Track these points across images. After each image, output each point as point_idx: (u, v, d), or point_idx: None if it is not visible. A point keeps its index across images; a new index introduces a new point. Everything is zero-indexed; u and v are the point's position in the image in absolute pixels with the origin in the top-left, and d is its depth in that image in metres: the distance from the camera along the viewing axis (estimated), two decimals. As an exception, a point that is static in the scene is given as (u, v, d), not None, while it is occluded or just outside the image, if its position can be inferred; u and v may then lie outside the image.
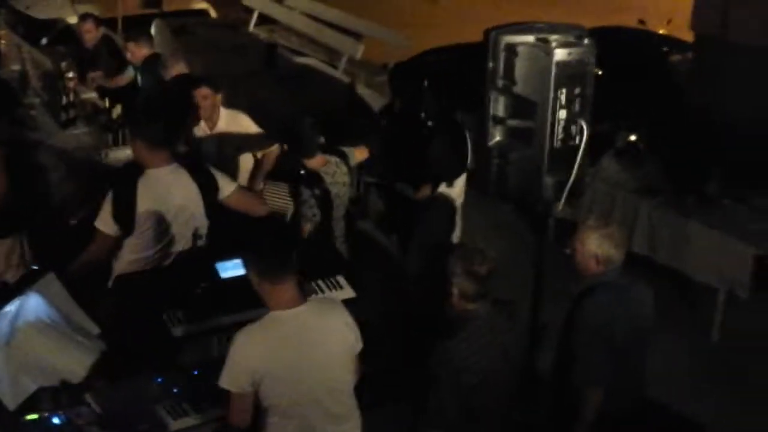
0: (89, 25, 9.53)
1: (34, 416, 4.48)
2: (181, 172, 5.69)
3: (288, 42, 12.66)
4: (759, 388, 6.74)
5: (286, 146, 6.93)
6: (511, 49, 4.70)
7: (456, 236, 7.21)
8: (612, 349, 4.78)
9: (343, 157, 6.65)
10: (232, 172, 7.01)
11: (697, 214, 7.46)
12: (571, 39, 4.72)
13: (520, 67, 4.68)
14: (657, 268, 7.50)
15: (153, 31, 11.17)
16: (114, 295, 5.61)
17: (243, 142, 7.26)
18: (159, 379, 4.75)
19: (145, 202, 5.56)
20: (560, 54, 4.58)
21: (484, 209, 8.20)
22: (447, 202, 7.07)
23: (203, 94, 7.06)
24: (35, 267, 6.33)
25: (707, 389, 6.72)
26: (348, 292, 5.65)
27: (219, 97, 7.17)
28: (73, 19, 11.38)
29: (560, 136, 4.67)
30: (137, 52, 8.57)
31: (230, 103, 7.46)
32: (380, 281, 7.14)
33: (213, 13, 13.46)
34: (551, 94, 4.59)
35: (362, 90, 10.61)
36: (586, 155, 4.74)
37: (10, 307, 4.75)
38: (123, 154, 7.22)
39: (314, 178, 6.39)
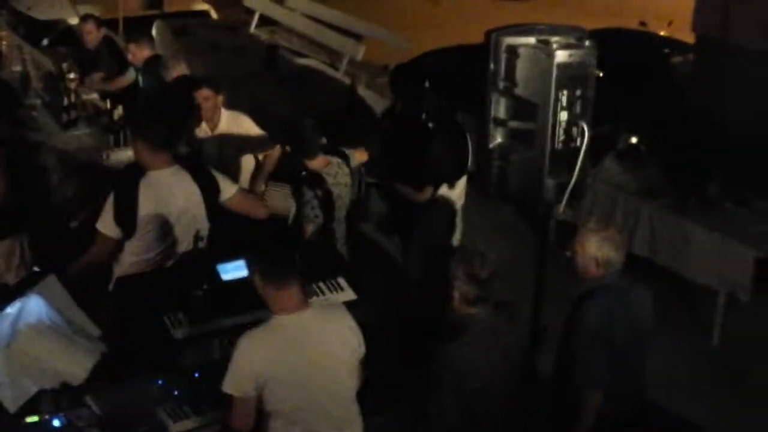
0: (90, 26, 9.55)
1: (34, 418, 4.48)
2: (182, 174, 5.69)
3: (289, 43, 12.66)
4: (759, 390, 6.74)
5: (288, 147, 6.92)
6: (512, 50, 4.69)
7: (456, 238, 7.21)
8: (612, 351, 4.79)
9: (345, 158, 6.65)
10: (234, 174, 7.01)
11: (698, 216, 7.46)
12: (572, 41, 4.70)
13: (521, 68, 4.67)
14: (658, 270, 7.50)
15: (154, 32, 11.20)
16: (115, 297, 5.61)
17: (244, 144, 7.26)
18: (159, 382, 4.74)
19: (146, 204, 5.55)
20: (561, 56, 4.57)
21: (485, 211, 8.19)
22: (447, 204, 7.07)
23: (204, 95, 7.06)
24: (36, 269, 6.33)
25: (707, 392, 6.72)
26: (349, 294, 5.65)
27: (220, 98, 7.18)
28: (74, 20, 11.41)
29: (561, 138, 4.65)
30: (138, 53, 8.57)
31: (231, 105, 7.46)
32: (381, 283, 7.14)
33: (214, 15, 13.47)
34: (552, 96, 4.57)
35: (363, 91, 10.62)
36: (587, 157, 4.72)
37: (11, 309, 4.75)
38: (124, 155, 7.23)
39: (316, 179, 6.39)
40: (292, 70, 11.33)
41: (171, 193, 5.65)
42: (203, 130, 7.13)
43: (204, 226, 5.77)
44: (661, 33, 12.58)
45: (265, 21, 13.40)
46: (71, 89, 8.25)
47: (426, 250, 7.00)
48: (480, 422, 4.63)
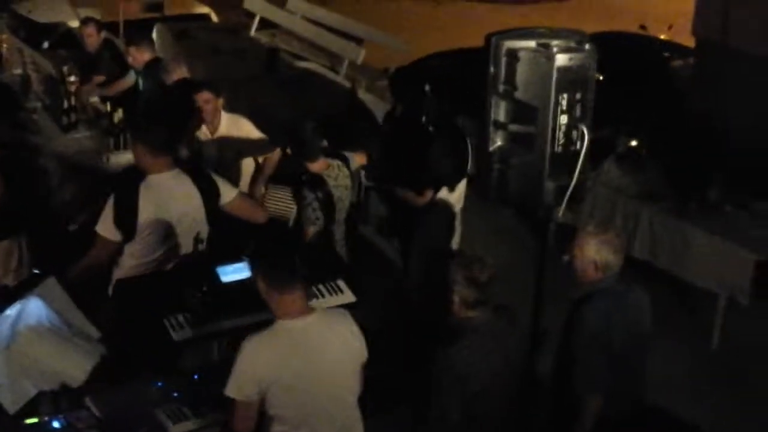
0: (91, 29, 9.55)
1: (34, 420, 4.48)
2: (183, 178, 5.69)
3: (289, 46, 12.67)
4: (759, 393, 6.74)
5: (288, 150, 6.92)
6: (513, 54, 4.70)
7: (456, 241, 7.21)
8: (610, 354, 4.79)
9: (345, 160, 6.66)
10: (234, 177, 7.02)
11: (698, 219, 7.46)
12: (573, 44, 4.71)
13: (521, 72, 4.68)
14: (658, 273, 7.51)
15: (154, 35, 11.20)
16: (114, 299, 5.61)
17: (244, 147, 7.26)
18: (159, 384, 4.75)
19: (147, 207, 5.55)
20: (561, 59, 4.58)
21: (485, 214, 8.20)
22: (446, 207, 7.07)
23: (205, 98, 7.06)
24: (36, 271, 6.33)
25: (707, 394, 6.72)
26: (348, 297, 5.65)
27: (220, 101, 7.18)
28: (74, 23, 11.42)
29: (561, 141, 4.67)
30: (139, 56, 8.57)
31: (231, 108, 7.47)
32: (380, 286, 7.14)
33: (214, 18, 13.48)
34: (552, 99, 4.58)
35: (363, 94, 10.62)
36: (587, 160, 4.73)
37: (11, 311, 4.75)
38: (124, 158, 7.22)
39: (317, 182, 6.40)
40: (293, 73, 11.34)
41: (171, 197, 5.65)
42: (203, 133, 7.13)
43: (204, 229, 5.77)
44: (662, 36, 12.59)
45: (266, 24, 13.40)
46: (72, 92, 8.26)
47: (425, 253, 7.00)
48: (480, 425, 4.63)
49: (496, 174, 4.82)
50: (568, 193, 4.70)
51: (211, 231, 5.80)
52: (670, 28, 12.83)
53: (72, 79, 8.31)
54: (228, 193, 5.86)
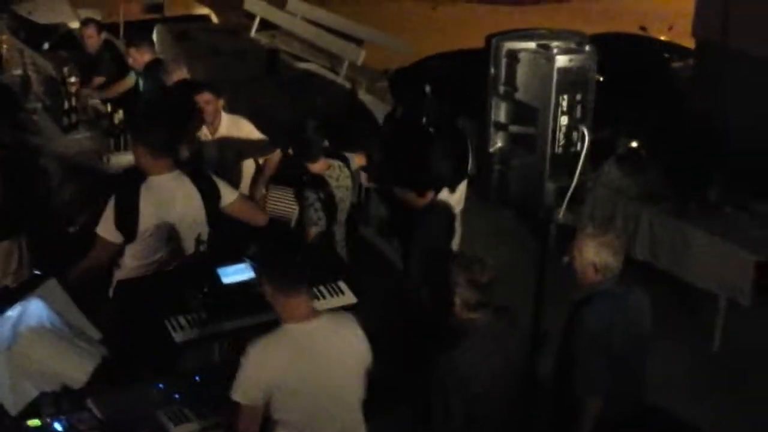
0: (91, 30, 9.55)
1: (36, 421, 4.48)
2: (183, 179, 5.69)
3: (289, 47, 12.67)
4: (759, 395, 6.74)
5: (289, 151, 6.92)
6: (513, 55, 4.71)
7: (456, 243, 7.21)
8: (610, 356, 4.79)
9: (345, 161, 6.66)
10: (234, 178, 7.02)
11: (698, 220, 7.46)
12: (573, 45, 4.72)
13: (521, 73, 4.69)
14: (658, 274, 7.51)
15: (155, 36, 11.20)
16: (115, 301, 5.61)
17: (244, 148, 7.26)
18: (160, 385, 4.74)
19: (147, 209, 5.55)
20: (562, 60, 4.59)
21: (486, 215, 8.20)
22: (446, 208, 7.07)
23: (205, 99, 7.06)
24: (37, 272, 6.34)
25: (708, 395, 6.72)
26: (349, 298, 5.65)
27: (221, 102, 7.18)
28: (75, 24, 11.41)
29: (562, 143, 4.67)
30: (139, 57, 8.57)
31: (232, 109, 7.47)
32: (381, 287, 7.14)
33: (214, 19, 13.47)
34: (553, 101, 4.59)
35: (363, 95, 10.62)
36: (587, 161, 4.74)
37: (12, 312, 4.75)
38: (125, 159, 7.22)
39: (319, 182, 6.40)
40: (293, 74, 11.34)
41: (172, 198, 5.65)
42: (204, 134, 7.13)
43: (204, 230, 5.76)
44: (662, 38, 12.60)
45: (266, 25, 13.41)
46: (72, 93, 8.27)
47: (425, 254, 7.00)
48: (481, 427, 4.63)
49: (496, 175, 4.83)
50: (569, 194, 4.71)
51: (212, 232, 5.80)
52: (670, 29, 12.84)
53: (72, 80, 8.31)
54: (228, 195, 5.86)
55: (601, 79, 5.41)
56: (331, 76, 11.38)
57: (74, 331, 4.83)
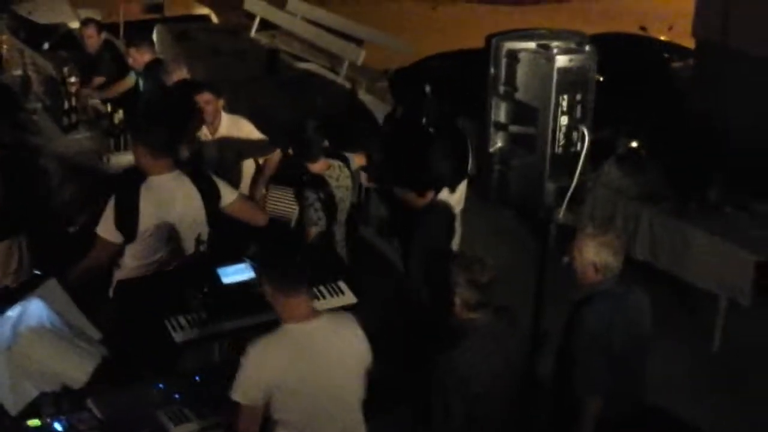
0: (91, 30, 9.55)
1: (36, 421, 4.48)
2: (183, 179, 5.69)
3: (289, 47, 12.66)
4: (760, 395, 6.74)
5: (289, 150, 6.92)
6: (513, 55, 4.71)
7: (456, 243, 7.21)
8: (610, 356, 4.79)
9: (345, 161, 6.66)
10: (234, 178, 7.02)
11: (698, 220, 7.46)
12: (573, 45, 4.72)
13: (521, 73, 4.69)
14: (658, 274, 7.51)
15: (155, 36, 11.20)
16: (115, 301, 5.61)
17: (245, 148, 7.26)
18: (160, 385, 4.75)
19: (147, 209, 5.55)
20: (562, 60, 4.59)
21: (486, 215, 8.20)
22: (446, 208, 7.07)
23: (205, 99, 7.06)
24: (37, 272, 6.34)
25: (708, 396, 6.72)
26: (349, 298, 5.65)
27: (221, 102, 7.18)
28: (75, 24, 11.41)
29: (562, 143, 4.67)
30: (139, 57, 8.58)
31: (232, 109, 7.47)
32: (381, 287, 7.15)
33: (214, 19, 13.47)
34: (553, 101, 4.59)
35: (363, 96, 10.62)
36: (587, 161, 4.74)
37: (12, 312, 4.75)
38: (125, 159, 7.22)
39: (319, 182, 6.40)
40: (293, 74, 11.34)
41: (172, 198, 5.65)
42: (204, 134, 7.13)
43: (204, 230, 5.76)
44: (662, 38, 12.60)
45: (266, 25, 13.41)
46: (72, 93, 8.27)
47: (425, 254, 7.00)
48: (481, 427, 4.64)
49: (496, 175, 4.82)
50: (569, 194, 4.71)
51: (212, 232, 5.80)
52: (670, 29, 12.84)
53: (72, 80, 8.31)
54: (228, 195, 5.86)
55: (601, 79, 5.41)
56: (331, 76, 11.38)
57: (74, 331, 4.83)
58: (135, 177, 5.68)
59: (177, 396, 4.69)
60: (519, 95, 4.70)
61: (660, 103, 9.97)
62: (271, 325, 4.38)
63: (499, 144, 4.82)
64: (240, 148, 7.23)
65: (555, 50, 4.64)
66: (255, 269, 5.39)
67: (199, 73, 9.31)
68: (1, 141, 7.09)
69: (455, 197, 7.08)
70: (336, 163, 6.55)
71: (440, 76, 9.48)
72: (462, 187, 7.12)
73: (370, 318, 4.68)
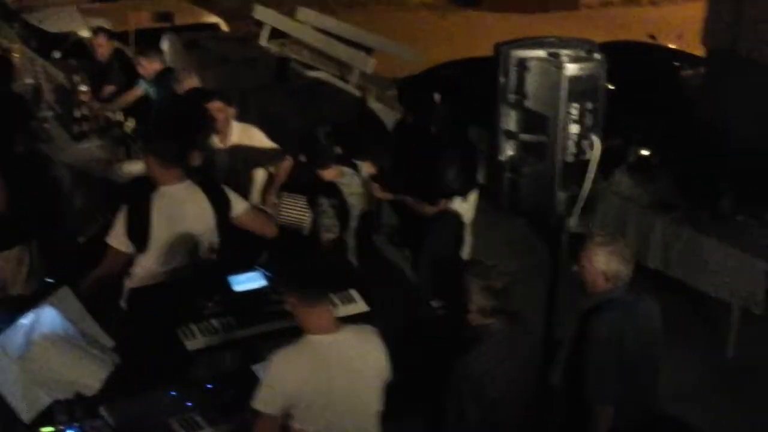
0: (101, 39, 9.59)
1: (49, 429, 4.50)
2: (194, 189, 5.71)
3: (299, 56, 12.67)
4: (772, 403, 6.72)
5: (300, 158, 6.93)
6: (522, 63, 4.70)
7: (466, 252, 7.20)
8: (621, 365, 4.79)
9: (356, 168, 6.67)
10: (245, 186, 7.03)
11: (710, 229, 7.44)
12: (582, 54, 4.71)
13: (531, 81, 4.68)
14: (671, 283, 7.49)
15: (165, 45, 11.22)
16: (128, 309, 5.63)
17: (255, 156, 7.27)
18: (172, 393, 4.77)
19: (159, 219, 5.56)
20: (571, 69, 4.58)
21: (497, 224, 8.20)
22: (456, 217, 7.07)
23: (216, 107, 7.08)
24: (49, 280, 6.36)
25: (720, 404, 6.70)
26: (361, 306, 5.66)
27: (231, 110, 7.20)
28: (85, 33, 11.45)
29: (572, 151, 4.67)
30: (149, 66, 8.61)
31: (242, 117, 7.49)
32: (392, 295, 7.14)
33: (224, 27, 13.48)
34: (563, 109, 4.59)
35: (373, 104, 10.62)
36: (598, 170, 4.74)
37: (25, 320, 4.78)
38: (136, 167, 7.25)
39: (332, 189, 6.40)
40: (303, 82, 11.33)
41: (183, 208, 5.66)
42: (214, 143, 7.15)
43: (215, 240, 5.78)
44: (671, 46, 12.57)
45: (276, 34, 13.42)
46: (82, 101, 8.30)
47: (435, 262, 7.00)
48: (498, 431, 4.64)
49: (507, 183, 4.82)
50: (580, 202, 4.71)
51: (223, 241, 5.81)
52: (679, 37, 12.80)
53: (83, 88, 8.36)
54: (238, 206, 5.88)
55: (611, 87, 5.41)
56: (341, 84, 11.38)
57: (87, 339, 4.85)
58: (146, 187, 5.70)
59: (189, 404, 4.71)
60: (529, 103, 4.69)
61: (670, 111, 9.95)
62: (284, 333, 4.40)
63: (510, 152, 4.81)
64: (251, 156, 7.24)
65: (565, 58, 4.63)
66: (267, 277, 5.41)
67: (209, 81, 9.32)
68: (13, 149, 7.12)
69: (465, 206, 7.08)
70: (347, 170, 6.55)
71: (450, 85, 9.49)
72: (472, 196, 7.12)
73: (380, 326, 4.68)
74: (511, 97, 4.75)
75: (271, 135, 7.40)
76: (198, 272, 5.65)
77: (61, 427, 4.50)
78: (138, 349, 5.05)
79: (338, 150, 6.66)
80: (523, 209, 4.92)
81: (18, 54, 9.80)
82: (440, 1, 19.79)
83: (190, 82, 7.85)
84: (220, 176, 6.81)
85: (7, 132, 7.18)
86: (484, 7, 19.17)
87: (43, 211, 6.56)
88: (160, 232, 5.56)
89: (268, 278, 5.48)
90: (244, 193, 6.74)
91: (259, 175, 7.44)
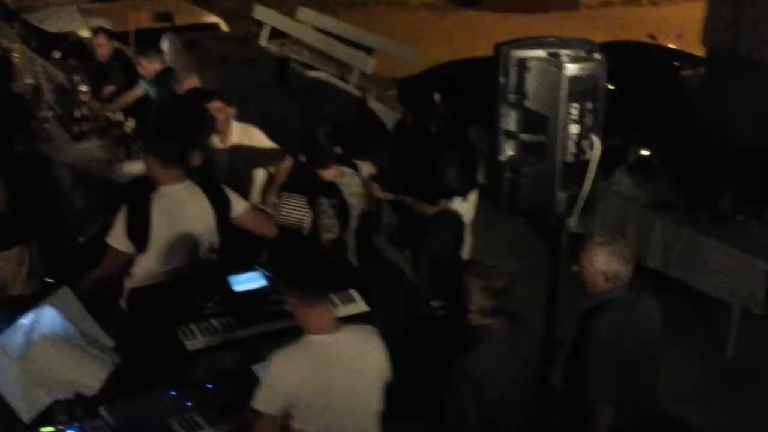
0: (101, 39, 9.60)
1: (49, 429, 4.51)
2: (194, 189, 5.71)
3: (299, 56, 12.67)
4: (772, 403, 6.72)
5: (303, 157, 6.93)
6: (522, 63, 4.70)
7: (465, 252, 7.20)
8: (621, 365, 4.79)
9: (356, 168, 6.67)
10: (245, 186, 7.03)
11: (710, 229, 7.44)
12: (582, 54, 4.71)
13: (531, 81, 4.68)
14: (671, 283, 7.50)
15: (165, 45, 11.22)
16: (127, 309, 5.63)
17: (255, 156, 7.27)
18: (172, 393, 4.77)
19: (159, 219, 5.57)
20: (571, 69, 4.58)
21: (497, 223, 8.20)
22: (455, 217, 7.07)
23: (216, 107, 7.08)
24: (49, 280, 6.36)
25: (720, 405, 6.70)
26: (361, 306, 5.66)
27: (231, 110, 7.20)
28: (85, 33, 11.45)
29: (572, 151, 4.67)
30: (149, 66, 8.61)
31: (242, 117, 7.49)
32: (391, 295, 7.14)
33: (224, 27, 13.48)
34: (563, 109, 4.59)
35: (373, 104, 10.62)
36: (598, 170, 4.74)
37: (25, 320, 4.78)
38: (136, 167, 7.25)
39: (332, 189, 6.40)
40: (303, 82, 11.33)
41: (183, 208, 5.67)
42: (214, 142, 7.15)
43: (215, 240, 5.78)
44: (671, 46, 12.57)
45: (276, 34, 13.42)
46: (82, 101, 8.31)
47: (434, 263, 7.00)
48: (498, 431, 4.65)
49: (507, 183, 4.82)
50: (580, 202, 4.71)
51: (223, 241, 5.82)
52: (679, 37, 12.80)
53: (83, 88, 8.36)
54: (238, 206, 5.88)
55: (611, 87, 5.41)
56: (341, 84, 11.38)
57: (87, 339, 4.85)
58: (146, 187, 5.70)
59: (189, 404, 4.71)
60: (529, 103, 4.69)
61: (670, 111, 9.95)
62: (284, 332, 4.40)
63: (510, 152, 4.81)
64: (251, 156, 7.24)
65: (565, 58, 4.63)
66: (267, 277, 5.41)
67: (209, 81, 9.32)
68: (13, 149, 7.12)
69: (466, 206, 7.08)
70: (347, 170, 6.55)
71: (450, 85, 9.49)
72: (473, 196, 7.11)
73: (380, 326, 4.68)
74: (511, 97, 4.76)
75: (271, 135, 7.40)
76: (198, 272, 5.65)
77: (61, 427, 4.50)
78: (138, 349, 5.05)
79: (338, 150, 6.66)
80: (523, 209, 4.93)
81: (18, 54, 9.80)
82: (440, 1, 19.79)
83: (190, 82, 7.85)
84: (220, 176, 6.81)
85: (7, 132, 7.19)
86: (484, 7, 19.18)
87: (43, 211, 6.56)
88: (160, 232, 5.56)
89: (268, 278, 5.48)
90: (244, 193, 6.74)
91: (259, 175, 7.44)
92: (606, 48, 4.88)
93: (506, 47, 4.76)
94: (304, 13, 13.51)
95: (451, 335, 4.89)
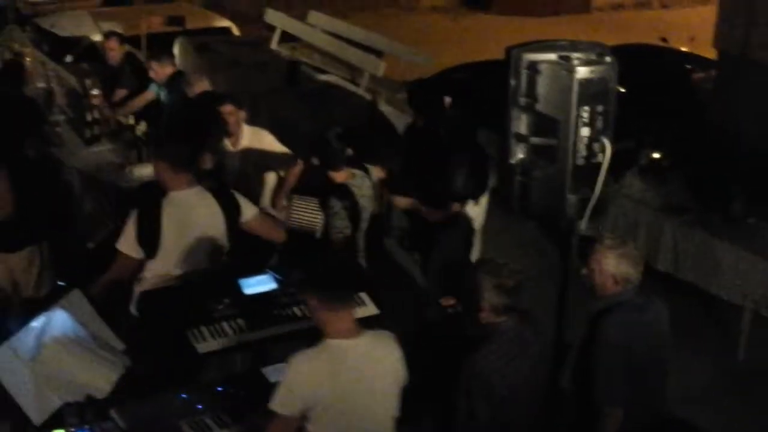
0: (113, 43, 9.63)
1: (60, 431, 4.51)
2: (204, 194, 5.71)
3: (310, 59, 12.68)
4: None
5: (314, 160, 6.93)
6: (533, 67, 4.70)
7: (474, 256, 7.19)
8: (630, 367, 4.78)
9: (366, 171, 6.67)
10: (256, 189, 7.05)
11: (722, 232, 7.42)
12: (593, 57, 4.72)
13: (542, 84, 4.68)
14: (682, 286, 7.48)
15: (176, 48, 11.25)
16: (138, 312, 5.64)
17: (266, 160, 7.28)
18: (183, 396, 4.76)
19: (169, 224, 5.56)
20: (582, 72, 4.58)
21: (508, 227, 8.19)
22: (466, 221, 7.06)
23: (227, 110, 7.10)
24: (61, 283, 6.37)
25: (731, 408, 6.68)
26: (371, 309, 5.66)
27: (242, 114, 7.21)
28: (97, 37, 11.49)
29: (583, 154, 4.67)
30: (160, 70, 8.63)
31: (252, 120, 7.50)
32: (401, 298, 7.14)
33: (235, 31, 13.51)
34: (574, 112, 4.59)
35: (384, 107, 10.62)
36: (609, 173, 4.73)
37: (36, 323, 4.79)
38: (147, 170, 7.27)
39: (344, 191, 6.40)
40: (313, 86, 11.34)
41: (193, 213, 5.66)
42: (226, 146, 7.16)
43: (225, 245, 5.79)
44: (683, 49, 12.55)
45: (286, 37, 13.44)
46: (94, 105, 8.33)
47: (445, 267, 6.99)
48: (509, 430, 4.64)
49: (518, 186, 4.82)
50: (591, 205, 4.70)
51: (233, 244, 5.82)
52: (691, 40, 12.77)
53: (95, 92, 8.39)
54: (248, 211, 5.88)
55: (623, 90, 5.40)
56: (351, 87, 11.39)
57: (98, 341, 4.87)
58: (156, 192, 5.71)
59: (200, 406, 4.71)
60: (540, 107, 4.69)
61: (682, 114, 9.93)
62: (294, 335, 4.39)
63: (521, 155, 4.81)
64: (261, 159, 7.25)
65: (576, 62, 4.63)
66: (277, 280, 5.41)
67: (220, 85, 9.35)
68: (24, 153, 7.15)
69: (477, 210, 7.06)
70: (358, 172, 6.55)
71: (460, 88, 9.49)
72: (484, 200, 7.11)
73: (390, 329, 4.68)
74: (522, 100, 4.76)
75: (281, 139, 7.40)
76: (208, 275, 5.65)
77: (72, 430, 4.50)
78: (149, 351, 5.06)
79: (349, 151, 6.65)
80: (534, 212, 4.93)
81: (30, 58, 9.84)
82: (451, 4, 19.80)
83: (202, 85, 7.87)
84: (230, 179, 6.82)
85: (18, 136, 7.21)
86: (495, 10, 19.18)
87: (53, 213, 6.57)
88: (170, 238, 5.56)
89: (278, 281, 5.49)
90: (255, 197, 6.76)
91: (270, 178, 7.45)
92: (617, 51, 4.88)
93: (517, 50, 4.77)
94: (315, 17, 13.52)
95: (460, 335, 4.88)
